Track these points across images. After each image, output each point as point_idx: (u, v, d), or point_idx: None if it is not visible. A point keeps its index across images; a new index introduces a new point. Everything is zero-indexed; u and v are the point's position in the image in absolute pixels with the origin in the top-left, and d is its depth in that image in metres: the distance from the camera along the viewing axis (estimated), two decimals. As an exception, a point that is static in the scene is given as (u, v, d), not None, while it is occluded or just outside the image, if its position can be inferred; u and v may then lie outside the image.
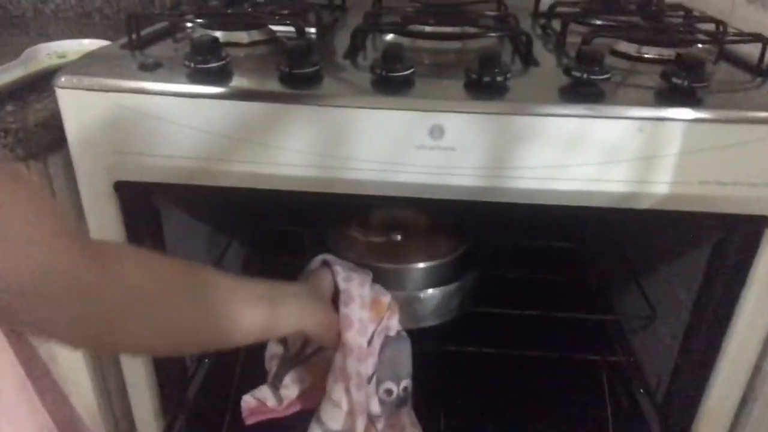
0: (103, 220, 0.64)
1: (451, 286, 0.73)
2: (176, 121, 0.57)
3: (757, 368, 0.67)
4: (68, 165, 0.62)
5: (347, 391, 0.57)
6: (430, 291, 0.72)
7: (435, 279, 0.73)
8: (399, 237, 0.76)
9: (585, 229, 1.00)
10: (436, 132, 0.54)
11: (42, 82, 0.70)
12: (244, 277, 0.53)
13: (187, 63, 0.57)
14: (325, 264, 0.62)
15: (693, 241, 0.68)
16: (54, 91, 0.57)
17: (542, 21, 0.85)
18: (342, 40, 0.72)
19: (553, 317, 0.78)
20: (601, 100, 0.54)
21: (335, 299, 0.59)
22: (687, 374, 0.71)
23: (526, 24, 0.86)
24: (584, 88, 0.55)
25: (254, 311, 0.50)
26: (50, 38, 0.96)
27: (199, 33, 0.69)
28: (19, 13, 1.10)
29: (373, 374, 0.59)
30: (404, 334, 0.63)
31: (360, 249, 0.73)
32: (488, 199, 0.58)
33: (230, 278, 0.50)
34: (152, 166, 0.59)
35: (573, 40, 0.72)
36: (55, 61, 0.80)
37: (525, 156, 0.55)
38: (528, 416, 0.81)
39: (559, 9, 0.84)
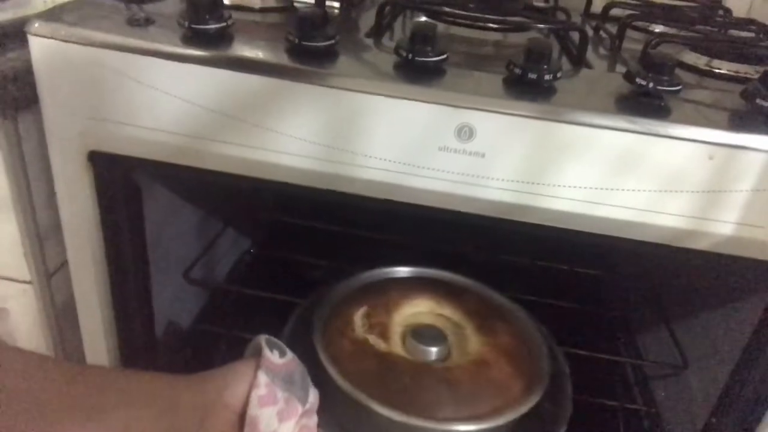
0: (75, 194, 0.56)
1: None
2: (163, 88, 0.49)
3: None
4: (37, 124, 0.55)
5: None
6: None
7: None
8: (434, 353, 0.51)
9: (614, 256, 0.91)
10: (465, 133, 0.46)
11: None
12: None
13: (181, 21, 0.48)
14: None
15: (746, 289, 0.59)
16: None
17: (594, 23, 0.75)
18: (367, 20, 0.64)
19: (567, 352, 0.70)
20: (667, 116, 0.45)
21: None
22: (719, 437, 0.62)
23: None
24: (648, 100, 0.46)
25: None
26: (54, -13, 0.88)
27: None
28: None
29: None
30: None
31: (350, 357, 0.48)
32: (517, 218, 0.49)
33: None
34: (132, 137, 0.51)
35: (628, 46, 0.63)
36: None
37: (567, 172, 0.46)
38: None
39: (615, 11, 0.75)
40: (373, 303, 0.54)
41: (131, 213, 0.60)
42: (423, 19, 0.62)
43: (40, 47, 0.49)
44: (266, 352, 0.41)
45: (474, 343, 0.52)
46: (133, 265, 0.63)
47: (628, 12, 0.69)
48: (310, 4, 0.62)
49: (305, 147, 0.48)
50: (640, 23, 0.72)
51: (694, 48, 0.58)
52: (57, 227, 0.60)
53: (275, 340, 0.42)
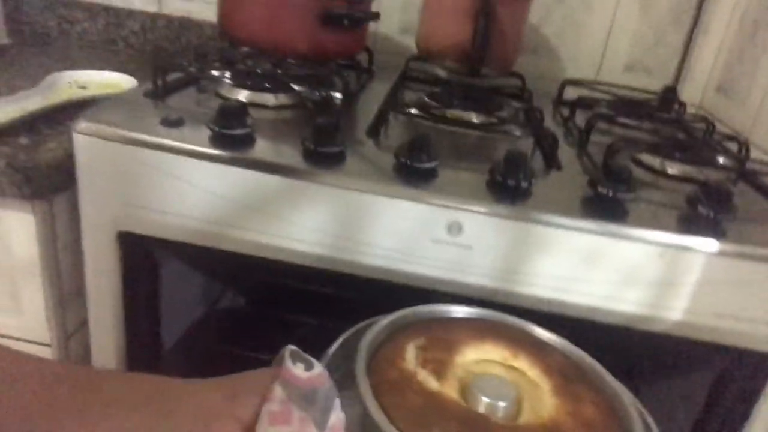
0: (102, 267, 0.62)
1: None
2: (192, 181, 0.56)
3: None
4: (73, 206, 0.61)
5: None
6: None
7: None
8: (500, 409, 0.42)
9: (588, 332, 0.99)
10: (455, 228, 0.53)
11: (59, 115, 0.69)
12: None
13: (211, 126, 0.56)
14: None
15: (697, 365, 0.66)
16: (69, 129, 0.56)
17: (565, 112, 0.85)
18: (367, 106, 0.72)
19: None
20: (624, 219, 0.53)
21: None
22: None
23: (546, 110, 0.86)
24: (608, 204, 0.54)
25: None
26: (73, 63, 0.95)
27: (226, 89, 0.69)
28: (45, 32, 1.10)
29: None
30: None
31: (393, 388, 0.42)
32: (498, 300, 0.56)
33: None
34: (159, 221, 0.58)
35: (596, 138, 0.72)
36: (76, 91, 0.79)
37: (540, 264, 0.54)
38: None
39: (582, 105, 0.85)
40: (433, 336, 0.47)
41: (149, 283, 0.66)
42: (417, 122, 0.71)
43: (83, 144, 0.56)
44: (288, 363, 0.36)
45: (549, 406, 0.43)
46: (148, 327, 0.68)
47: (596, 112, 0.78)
48: (316, 98, 0.70)
49: (315, 235, 0.56)
50: (605, 112, 0.82)
51: (650, 149, 0.67)
52: (78, 293, 0.65)
53: (302, 353, 0.38)
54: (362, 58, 0.93)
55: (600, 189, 0.53)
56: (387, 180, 0.54)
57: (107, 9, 1.08)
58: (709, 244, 0.51)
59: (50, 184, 0.60)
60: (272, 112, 0.67)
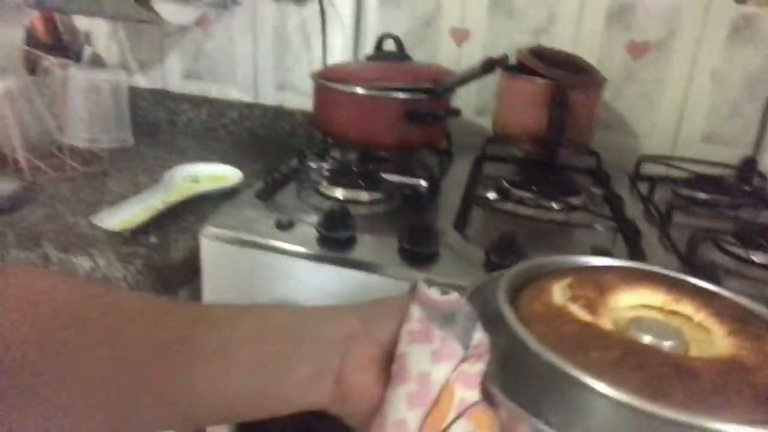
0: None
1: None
2: (301, 278, 0.62)
3: None
4: (195, 298, 0.69)
5: None
6: None
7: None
8: (668, 348, 0.37)
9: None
10: (544, 323, 0.57)
11: (181, 210, 0.79)
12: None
13: (319, 230, 0.62)
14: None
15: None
16: (192, 229, 0.65)
17: (643, 189, 0.87)
18: (451, 191, 0.79)
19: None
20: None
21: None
22: None
23: (623, 185, 0.89)
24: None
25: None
26: (181, 152, 1.07)
27: (324, 186, 0.76)
28: (155, 124, 1.24)
29: None
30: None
31: (542, 319, 0.37)
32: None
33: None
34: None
35: (677, 218, 0.74)
36: (190, 186, 0.89)
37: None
38: None
39: (660, 181, 0.87)
40: (581, 278, 0.42)
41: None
42: (501, 218, 0.76)
43: (209, 247, 0.64)
44: (422, 286, 0.35)
45: (724, 346, 0.38)
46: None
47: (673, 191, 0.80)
48: (405, 191, 0.76)
49: (412, 327, 0.61)
50: (684, 193, 0.84)
51: (733, 237, 0.68)
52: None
53: (435, 282, 0.36)
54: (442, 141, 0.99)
55: (685, 285, 0.56)
56: (479, 278, 0.59)
57: (209, 101, 1.21)
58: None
59: (178, 279, 0.69)
60: (367, 207, 0.73)
